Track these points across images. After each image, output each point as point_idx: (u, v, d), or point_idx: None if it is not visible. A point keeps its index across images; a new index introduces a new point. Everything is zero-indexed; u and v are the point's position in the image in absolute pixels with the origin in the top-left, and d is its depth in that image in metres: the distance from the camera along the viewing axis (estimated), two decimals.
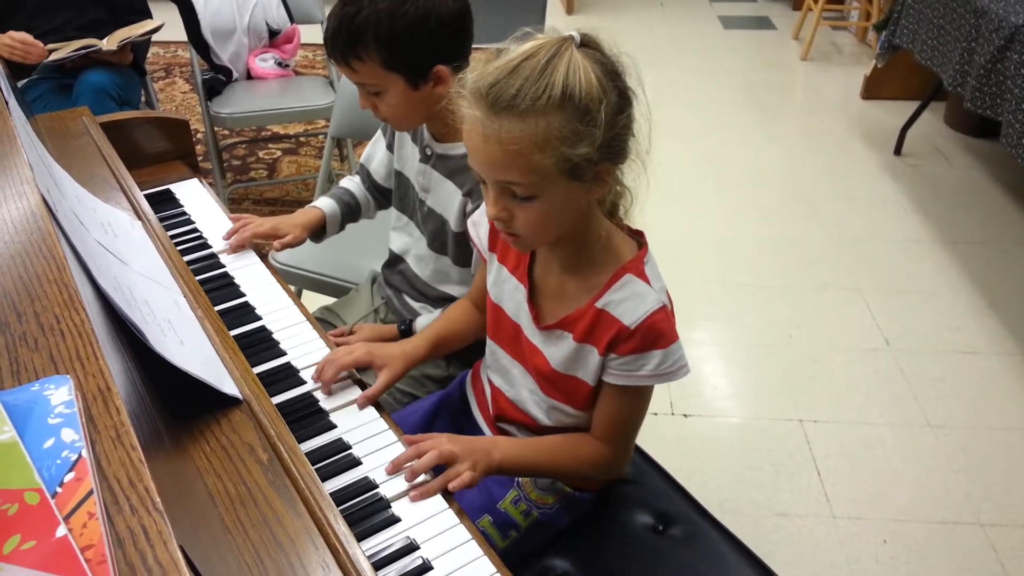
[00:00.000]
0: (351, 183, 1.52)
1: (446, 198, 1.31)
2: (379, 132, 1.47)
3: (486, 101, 0.85)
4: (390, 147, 1.43)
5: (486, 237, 1.12)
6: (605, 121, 0.84)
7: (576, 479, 1.14)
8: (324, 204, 1.47)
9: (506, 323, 1.09)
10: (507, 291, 1.08)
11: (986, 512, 1.80)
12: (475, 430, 1.22)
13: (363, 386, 1.09)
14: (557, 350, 1.02)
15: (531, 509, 1.14)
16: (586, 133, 0.84)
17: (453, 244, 1.34)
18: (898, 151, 3.42)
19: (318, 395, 1.07)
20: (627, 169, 0.96)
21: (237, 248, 1.35)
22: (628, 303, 0.96)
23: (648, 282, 0.97)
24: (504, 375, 1.14)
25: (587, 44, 0.87)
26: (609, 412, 1.03)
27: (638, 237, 1.03)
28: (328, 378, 1.07)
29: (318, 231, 1.46)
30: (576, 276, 1.00)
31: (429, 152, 1.32)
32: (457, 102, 0.89)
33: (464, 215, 1.28)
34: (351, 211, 1.50)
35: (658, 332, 0.95)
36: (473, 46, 1.21)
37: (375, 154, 1.47)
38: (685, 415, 2.08)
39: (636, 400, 1.02)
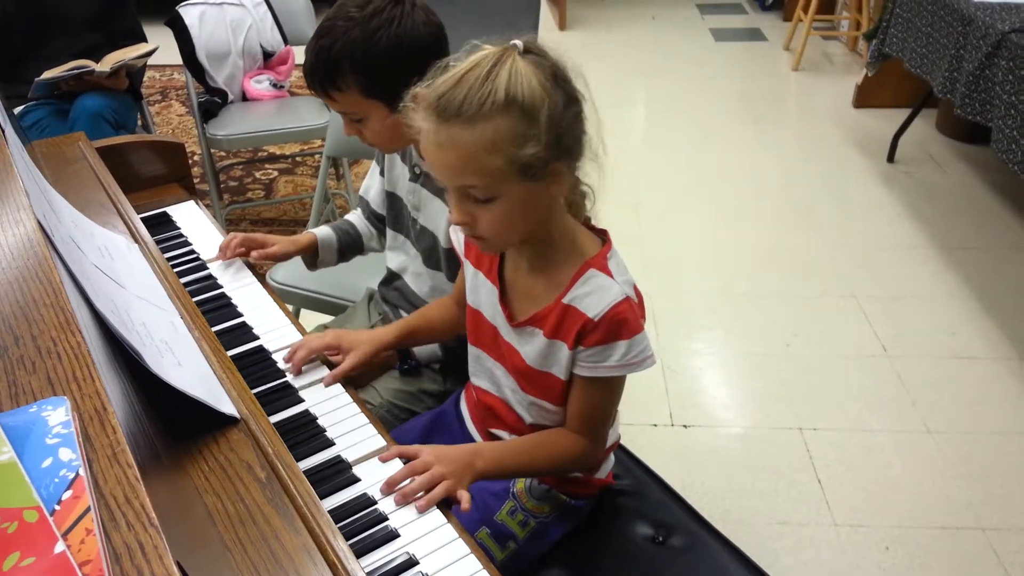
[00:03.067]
0: (353, 216, 1.54)
1: (435, 215, 1.33)
2: (374, 162, 1.48)
3: (435, 111, 0.89)
4: (383, 172, 1.45)
5: (464, 243, 1.14)
6: (549, 120, 0.88)
7: (557, 473, 1.15)
8: (319, 230, 1.48)
9: (485, 326, 1.11)
10: (483, 294, 1.11)
11: (987, 517, 1.80)
12: (469, 441, 1.23)
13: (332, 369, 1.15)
14: (531, 347, 1.05)
15: (528, 519, 1.15)
16: (531, 134, 0.88)
17: (445, 261, 1.35)
18: (891, 158, 3.44)
19: (315, 411, 1.07)
20: (588, 169, 0.99)
21: (230, 257, 1.37)
22: (592, 296, 0.98)
23: (611, 275, 1.00)
24: (489, 377, 1.16)
25: (530, 51, 0.91)
26: (581, 404, 1.05)
27: (602, 235, 1.06)
28: (299, 359, 1.13)
29: (311, 255, 1.47)
30: (543, 274, 1.03)
31: (418, 171, 1.34)
32: (410, 116, 0.93)
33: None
34: (351, 240, 1.51)
35: (621, 322, 0.97)
36: None
37: (372, 185, 1.49)
38: (684, 426, 2.08)
39: (605, 391, 1.04)
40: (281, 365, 1.16)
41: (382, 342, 1.21)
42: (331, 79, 1.17)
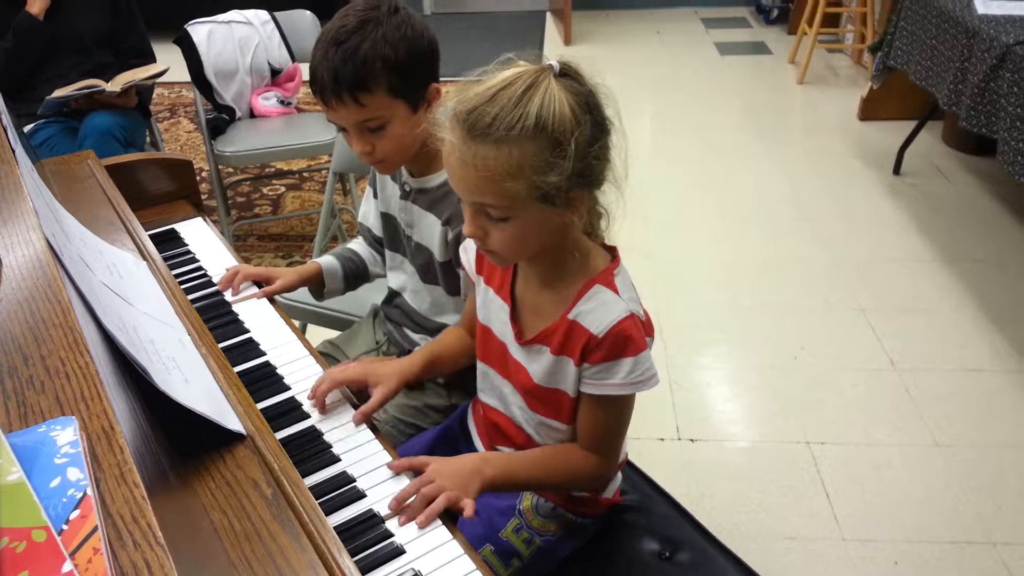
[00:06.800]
0: (355, 243, 1.54)
1: (428, 230, 1.34)
2: (368, 189, 1.48)
3: (463, 127, 0.89)
4: (376, 194, 1.45)
5: (474, 260, 1.14)
6: (576, 152, 0.87)
7: (566, 488, 1.14)
8: (322, 260, 1.48)
9: (494, 343, 1.11)
10: (493, 311, 1.11)
11: (998, 531, 1.79)
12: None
13: (358, 407, 1.11)
14: (538, 365, 1.04)
15: (533, 537, 1.14)
16: (556, 163, 0.87)
17: (442, 274, 1.36)
18: (897, 170, 3.44)
19: (321, 427, 1.08)
20: (607, 189, 0.98)
21: (235, 291, 1.36)
22: (596, 312, 0.98)
23: (617, 292, 0.99)
24: (497, 395, 1.16)
25: (566, 73, 0.90)
26: (590, 423, 1.04)
27: (611, 252, 1.06)
28: (322, 392, 1.09)
29: (317, 285, 1.47)
30: (552, 291, 1.03)
31: (408, 188, 1.35)
32: (438, 124, 0.93)
33: (446, 244, 1.31)
34: (355, 267, 1.51)
35: (626, 339, 0.97)
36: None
37: (369, 210, 1.49)
38: (692, 440, 2.08)
39: (615, 409, 1.03)
40: (288, 381, 1.16)
41: (408, 374, 1.17)
42: (361, 81, 1.15)
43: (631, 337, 0.97)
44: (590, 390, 1.01)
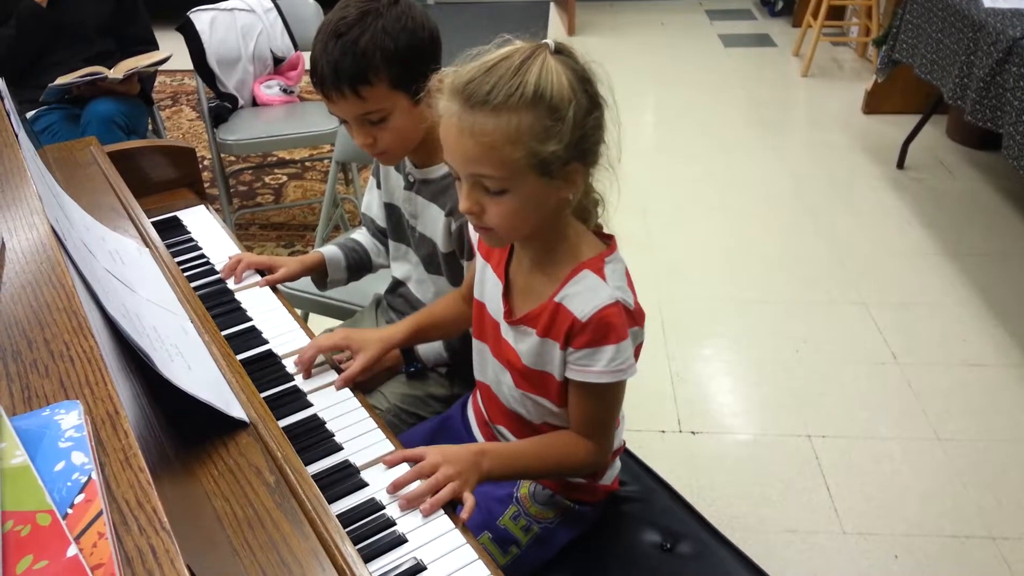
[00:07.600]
0: (358, 233, 1.54)
1: (432, 221, 1.33)
2: (371, 179, 1.48)
3: (462, 96, 0.90)
4: (380, 185, 1.45)
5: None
6: (574, 120, 0.89)
7: (563, 475, 1.15)
8: (325, 249, 1.48)
9: (489, 320, 1.11)
10: (489, 288, 1.11)
11: (998, 526, 1.79)
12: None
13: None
14: (525, 345, 1.05)
15: (531, 524, 1.14)
16: (555, 130, 0.88)
17: (445, 265, 1.36)
18: (901, 164, 3.43)
19: (323, 416, 1.08)
20: (601, 177, 1.00)
21: (238, 279, 1.36)
22: (582, 297, 0.98)
23: (604, 279, 0.99)
24: (489, 372, 1.16)
25: (561, 51, 0.92)
26: (580, 409, 1.05)
27: (607, 240, 1.06)
28: (306, 359, 1.14)
29: (320, 274, 1.47)
30: (542, 274, 1.03)
31: (412, 179, 1.34)
32: (435, 97, 0.94)
33: (449, 235, 1.31)
34: (358, 257, 1.50)
35: (608, 326, 0.97)
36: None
37: (372, 200, 1.49)
38: (693, 432, 2.08)
39: (601, 397, 1.03)
40: (290, 369, 1.16)
41: (391, 341, 1.20)
42: (361, 73, 1.15)
43: (613, 324, 0.97)
44: (575, 376, 1.01)
